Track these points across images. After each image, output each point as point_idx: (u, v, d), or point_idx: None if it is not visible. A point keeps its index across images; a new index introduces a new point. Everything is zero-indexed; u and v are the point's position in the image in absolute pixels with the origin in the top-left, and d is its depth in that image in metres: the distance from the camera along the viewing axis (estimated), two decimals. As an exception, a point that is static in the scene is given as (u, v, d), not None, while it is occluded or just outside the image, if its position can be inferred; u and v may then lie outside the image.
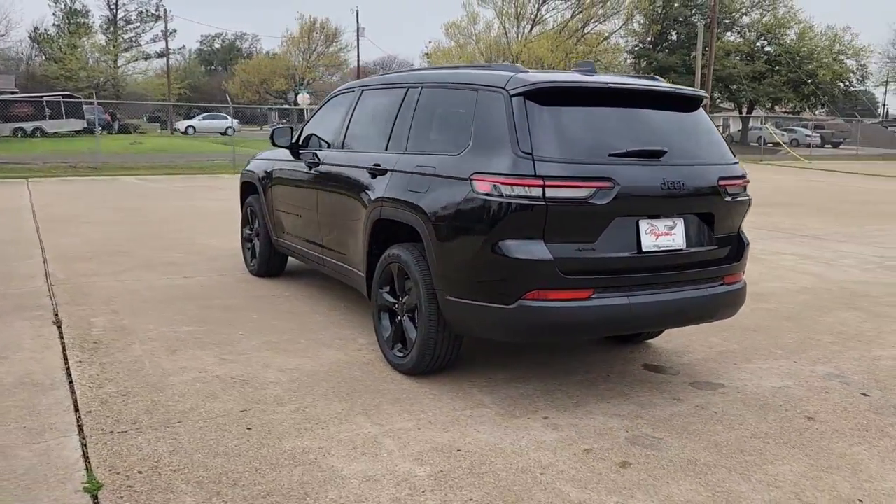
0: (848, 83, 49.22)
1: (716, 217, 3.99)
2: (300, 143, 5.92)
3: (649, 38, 47.19)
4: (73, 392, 3.89)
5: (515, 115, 3.66)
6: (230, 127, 48.50)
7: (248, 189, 7.02)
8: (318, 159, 5.43)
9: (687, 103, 4.14)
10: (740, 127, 50.23)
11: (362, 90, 5.27)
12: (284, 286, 6.47)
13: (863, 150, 37.80)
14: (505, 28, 50.28)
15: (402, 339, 4.35)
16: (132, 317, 5.34)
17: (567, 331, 3.76)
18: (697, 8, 46.90)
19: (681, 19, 46.62)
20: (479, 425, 3.64)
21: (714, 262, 4.03)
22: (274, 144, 5.96)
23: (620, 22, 47.99)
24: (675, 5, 46.28)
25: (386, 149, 4.64)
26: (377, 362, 4.50)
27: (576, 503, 2.94)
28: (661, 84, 4.22)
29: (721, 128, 42.15)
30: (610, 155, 3.67)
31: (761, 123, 47.18)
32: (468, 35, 52.07)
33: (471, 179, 3.71)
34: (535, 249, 3.54)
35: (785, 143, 39.90)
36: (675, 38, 47.72)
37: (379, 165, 4.54)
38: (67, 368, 4.25)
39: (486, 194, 3.62)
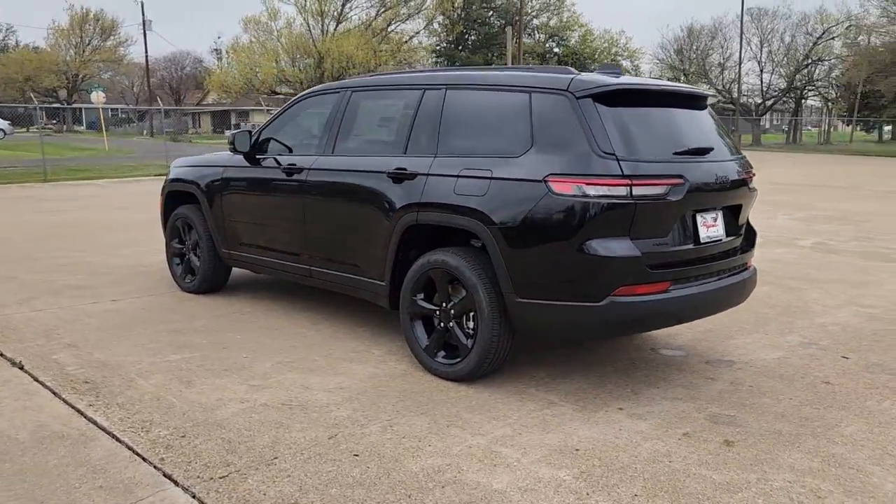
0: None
1: (742, 207, 4.34)
2: (256, 148, 5.54)
3: (451, 38, 48.77)
4: (119, 440, 3.39)
5: (587, 116, 3.73)
6: (1, 129, 43.20)
7: (177, 199, 6.41)
8: (300, 166, 5.10)
9: (702, 102, 4.45)
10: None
11: (350, 92, 5.02)
12: (238, 301, 6.00)
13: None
14: (308, 25, 49.53)
15: (445, 346, 4.26)
16: (101, 350, 4.71)
17: (651, 324, 3.90)
18: (495, 10, 49.26)
19: (480, 20, 48.71)
20: (570, 423, 3.68)
21: (740, 251, 4.38)
22: (235, 151, 5.52)
23: (423, 22, 49.19)
24: (475, 7, 48.25)
25: (405, 152, 4.49)
26: (414, 372, 4.37)
27: (723, 484, 3.09)
28: (687, 86, 4.50)
29: None
30: (674, 153, 3.86)
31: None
32: (268, 31, 50.65)
33: (545, 181, 3.72)
34: (624, 246, 3.65)
35: None
36: (475, 38, 49.76)
37: (405, 170, 4.39)
38: (83, 414, 3.68)
39: (568, 195, 3.65)
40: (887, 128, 53.77)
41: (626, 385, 4.23)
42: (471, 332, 4.14)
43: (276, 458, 3.24)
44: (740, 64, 43.72)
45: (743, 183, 4.29)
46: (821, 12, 51.14)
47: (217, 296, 6.18)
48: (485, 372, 4.13)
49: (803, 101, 52.23)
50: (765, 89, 48.89)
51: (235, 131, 5.58)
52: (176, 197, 6.43)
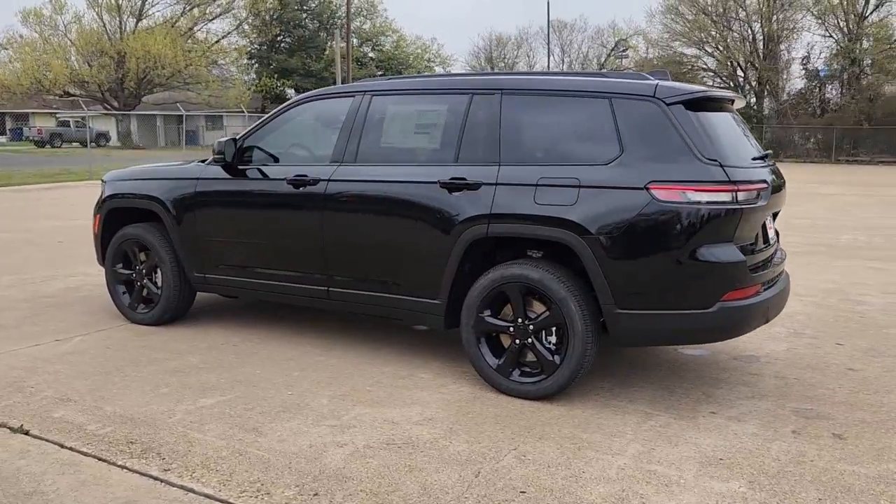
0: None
1: (779, 212, 4.56)
2: (238, 159, 4.97)
3: (266, 40, 47.11)
4: (246, 509, 2.85)
5: (682, 122, 3.72)
6: None
7: (122, 218, 5.56)
8: (313, 177, 4.62)
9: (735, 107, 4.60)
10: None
11: (370, 95, 4.62)
12: (211, 330, 5.32)
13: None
14: (103, 20, 45.61)
15: (518, 364, 4.07)
16: (108, 402, 3.95)
17: (750, 327, 3.94)
18: (309, 12, 48.32)
19: (294, 23, 47.54)
20: (686, 433, 3.65)
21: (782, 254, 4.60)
22: (223, 163, 4.89)
23: (233, 23, 47.09)
24: (289, 9, 46.99)
25: (456, 161, 4.22)
26: (485, 394, 4.12)
27: (875, 477, 3.22)
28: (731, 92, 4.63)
29: None
30: (752, 159, 3.97)
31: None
32: (53, 25, 46.01)
33: (647, 188, 3.67)
34: (732, 252, 3.69)
35: None
36: (290, 40, 48.48)
37: (463, 179, 4.12)
38: (169, 483, 3.06)
39: (675, 202, 3.62)
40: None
41: (690, 388, 4.28)
42: (553, 347, 3.98)
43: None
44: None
45: (784, 186, 4.51)
46: (612, 26, 55.86)
47: (180, 326, 5.44)
48: (570, 386, 3.99)
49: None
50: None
51: (224, 139, 4.93)
52: (120, 215, 5.57)
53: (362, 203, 4.49)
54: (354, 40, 53.76)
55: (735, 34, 41.22)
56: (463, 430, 3.62)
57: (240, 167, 4.97)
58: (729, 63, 41.80)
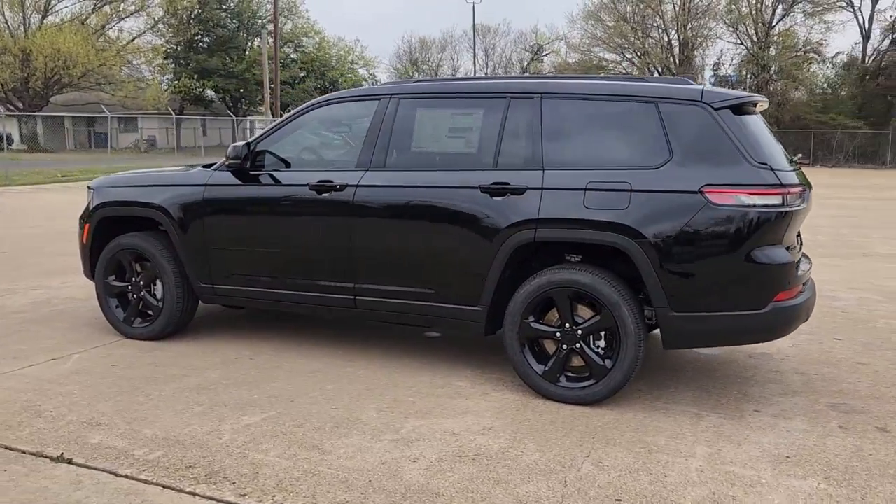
0: (362, 89, 55.26)
1: None
2: (250, 163, 4.78)
3: (184, 40, 45.49)
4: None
5: (730, 127, 3.79)
6: None
7: (115, 227, 5.24)
8: (338, 182, 4.46)
9: None
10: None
11: (398, 98, 4.49)
12: (216, 343, 5.07)
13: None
14: (5, 16, 43.09)
15: (564, 369, 4.06)
16: (143, 423, 3.71)
17: (796, 326, 4.02)
18: (229, 12, 47.01)
19: (214, 22, 46.13)
20: (742, 432, 3.70)
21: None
22: (239, 166, 4.68)
23: (149, 21, 45.30)
24: (208, 8, 45.56)
25: (496, 166, 4.18)
26: (533, 400, 4.08)
27: (934, 467, 3.36)
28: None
29: (250, 131, 43.09)
30: (791, 161, 4.08)
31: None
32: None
33: (701, 192, 3.72)
34: (783, 254, 3.78)
35: None
36: (209, 40, 47.01)
37: (507, 184, 4.08)
38: (251, 509, 2.88)
39: (729, 206, 3.69)
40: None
41: (723, 387, 4.36)
42: (601, 351, 3.98)
43: (548, 518, 2.84)
44: (481, 74, 46.81)
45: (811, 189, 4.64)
46: (535, 31, 56.85)
47: (181, 341, 5.17)
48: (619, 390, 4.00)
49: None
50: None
51: (240, 144, 4.70)
52: (113, 224, 5.25)
53: (396, 209, 4.37)
54: (269, 40, 52.70)
55: (653, 41, 42.68)
56: (527, 439, 3.57)
57: (252, 172, 4.76)
58: (647, 69, 43.19)
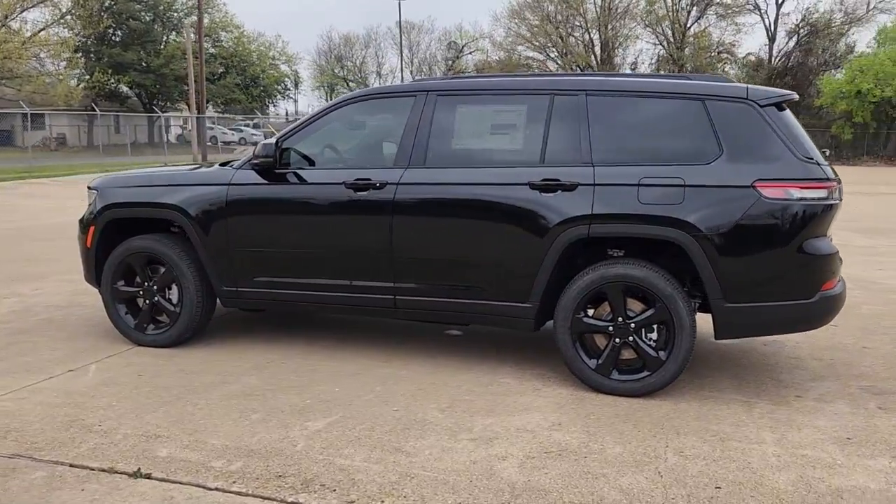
0: (284, 86, 54.27)
1: None
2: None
3: (96, 33, 43.30)
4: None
5: (777, 123, 3.94)
6: None
7: (124, 229, 5.00)
8: (378, 180, 4.39)
9: None
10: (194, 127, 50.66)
11: (435, 95, 4.45)
12: (236, 349, 4.90)
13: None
14: None
15: (616, 363, 4.13)
16: (206, 433, 3.55)
17: (836, 314, 4.18)
18: (143, 4, 45.11)
19: (127, 14, 44.14)
20: (796, 417, 3.85)
21: None
22: (270, 165, 4.54)
23: (52, 12, 42.89)
24: (123, 0, 43.54)
25: (542, 162, 4.20)
26: (585, 393, 4.13)
27: (979, 442, 3.60)
28: None
29: (165, 128, 41.50)
30: (826, 156, 4.26)
31: (213, 123, 48.58)
32: None
33: (753, 187, 3.85)
34: (828, 245, 3.96)
35: (236, 142, 42.49)
36: (123, 33, 44.96)
37: (557, 180, 4.11)
38: (366, 515, 2.82)
39: (780, 199, 3.83)
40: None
41: (756, 375, 4.52)
42: (653, 343, 4.07)
43: (661, 509, 2.89)
44: (402, 72, 46.76)
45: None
46: (459, 28, 57.12)
47: (199, 346, 4.97)
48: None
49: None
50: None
51: (269, 141, 4.55)
52: (122, 226, 5.00)
53: (440, 206, 4.33)
54: (193, 35, 51.02)
55: (575, 40, 43.65)
56: (601, 433, 3.61)
57: (278, 171, 4.62)
58: (570, 67, 44.12)
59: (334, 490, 3.00)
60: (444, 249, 4.34)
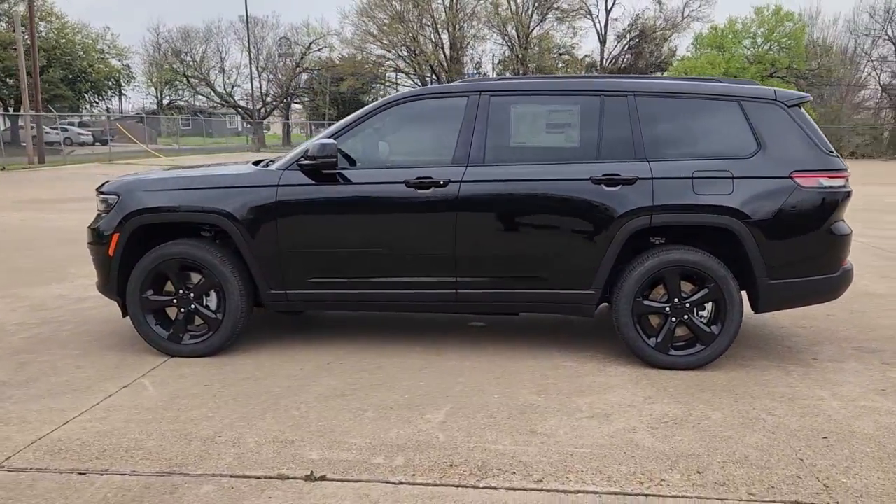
0: (116, 81, 50.65)
1: None
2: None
3: None
4: None
5: (802, 121, 4.53)
6: None
7: (154, 235, 4.75)
8: (440, 178, 4.51)
9: None
10: (8, 125, 46.08)
11: (488, 96, 4.63)
12: (288, 350, 4.83)
13: (118, 147, 37.95)
14: None
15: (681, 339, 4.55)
16: (340, 436, 3.54)
17: (848, 287, 4.80)
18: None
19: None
20: (828, 377, 4.44)
21: None
22: (316, 169, 4.53)
23: None
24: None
25: (598, 158, 4.53)
26: (646, 370, 4.50)
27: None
28: None
29: None
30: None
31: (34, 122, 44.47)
32: None
33: (791, 177, 4.41)
34: (847, 227, 4.59)
35: (60, 143, 39.14)
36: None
37: (618, 175, 4.45)
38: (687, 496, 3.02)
39: (813, 188, 4.41)
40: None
41: (765, 344, 5.13)
42: (704, 320, 4.53)
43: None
44: (251, 68, 45.23)
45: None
46: (306, 24, 56.01)
47: (233, 354, 4.83)
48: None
49: (295, 104, 56.47)
50: (263, 94, 51.44)
51: (324, 142, 4.51)
52: (151, 231, 4.75)
53: (505, 202, 4.52)
54: (2, 25, 46.33)
55: (424, 39, 44.41)
56: (691, 402, 3.99)
57: (326, 171, 4.60)
58: (419, 66, 44.88)
59: (514, 473, 3.15)
60: (508, 243, 4.54)
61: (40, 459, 3.27)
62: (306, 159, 4.56)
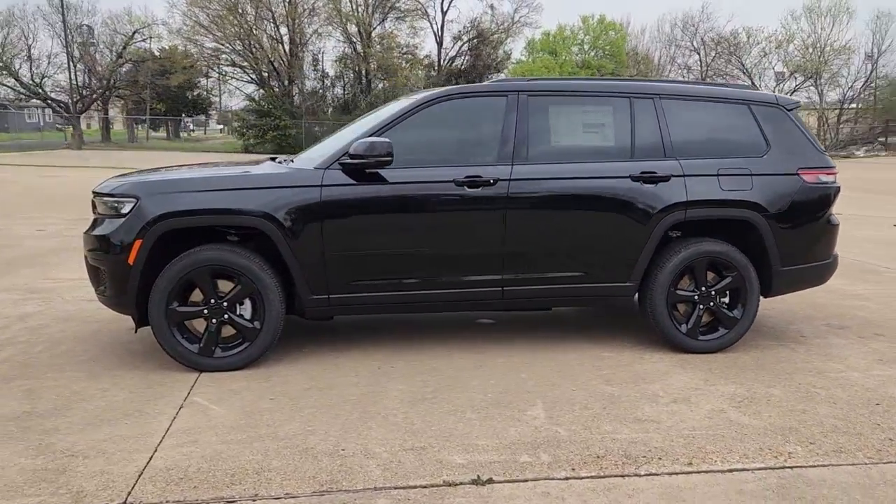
0: None
1: None
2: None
3: None
4: None
5: (798, 123, 5.06)
6: None
7: (181, 241, 4.38)
8: (489, 177, 4.54)
9: None
10: None
11: (526, 96, 4.71)
12: (323, 357, 4.64)
13: None
14: None
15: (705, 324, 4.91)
16: (466, 439, 3.51)
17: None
18: None
19: None
20: (847, 351, 4.96)
21: None
22: (366, 167, 4.40)
23: None
24: None
25: (632, 156, 4.78)
26: (681, 356, 4.81)
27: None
28: None
29: None
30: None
31: None
32: None
33: (797, 174, 4.91)
34: (837, 218, 5.16)
35: None
36: None
37: (654, 172, 4.73)
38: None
39: (814, 183, 4.94)
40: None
41: (774, 327, 5.62)
42: (726, 306, 4.92)
43: (875, 424, 3.74)
44: (68, 55, 41.35)
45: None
46: (128, 13, 51.90)
47: (271, 365, 4.58)
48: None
49: (117, 98, 52.10)
50: (81, 86, 47.06)
51: (375, 140, 4.36)
52: (177, 237, 4.36)
53: (552, 200, 4.63)
54: None
55: (261, 32, 42.94)
56: (746, 383, 4.30)
57: (369, 171, 4.49)
58: (256, 61, 43.30)
59: (660, 458, 3.29)
60: (554, 239, 4.66)
61: (168, 491, 2.94)
62: (351, 158, 4.40)
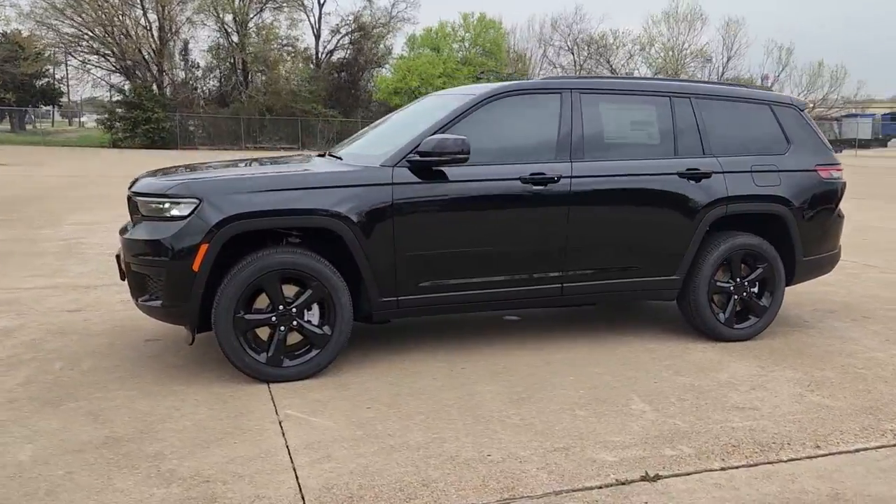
0: None
1: None
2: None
3: None
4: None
5: (810, 122, 5.44)
6: None
7: (244, 244, 4.11)
8: (552, 174, 4.57)
9: None
10: None
11: (578, 93, 4.77)
12: (385, 358, 4.50)
13: None
14: None
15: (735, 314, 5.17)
16: (594, 438, 3.53)
17: None
18: None
19: None
20: (863, 333, 5.36)
21: None
22: (436, 164, 4.32)
23: None
24: None
25: (675, 154, 4.96)
26: (724, 345, 5.03)
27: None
28: None
29: None
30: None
31: None
32: None
33: (815, 170, 5.28)
34: (843, 211, 5.58)
35: None
36: None
37: (698, 170, 4.93)
38: (847, 451, 3.42)
39: (828, 179, 5.33)
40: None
41: (781, 317, 6.01)
42: (755, 295, 5.22)
43: (935, 399, 4.11)
44: None
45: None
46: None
47: (338, 373, 4.39)
48: (769, 324, 5.29)
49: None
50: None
51: (454, 137, 4.25)
52: (244, 241, 4.08)
53: (611, 196, 4.72)
54: None
55: (126, 18, 40.44)
56: (803, 368, 4.55)
57: (435, 168, 4.40)
58: (120, 50, 40.70)
59: (789, 444, 3.44)
60: (613, 235, 4.76)
61: (349, 513, 2.76)
62: (421, 155, 4.28)
